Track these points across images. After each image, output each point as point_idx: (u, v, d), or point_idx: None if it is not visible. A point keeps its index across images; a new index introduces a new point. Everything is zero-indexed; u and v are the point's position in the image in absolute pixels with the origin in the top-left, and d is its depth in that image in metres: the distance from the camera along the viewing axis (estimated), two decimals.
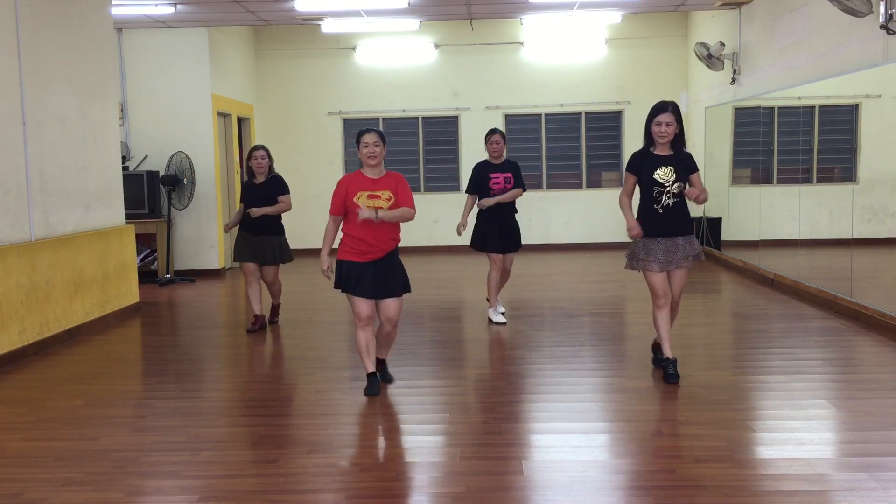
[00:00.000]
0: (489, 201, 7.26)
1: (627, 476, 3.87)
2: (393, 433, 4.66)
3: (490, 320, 7.51)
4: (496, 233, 7.36)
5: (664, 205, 5.36)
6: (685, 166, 5.39)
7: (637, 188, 5.54)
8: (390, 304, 5.21)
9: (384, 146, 5.17)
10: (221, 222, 11.39)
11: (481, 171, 7.39)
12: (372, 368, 5.29)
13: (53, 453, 4.31)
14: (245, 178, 7.47)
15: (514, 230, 7.47)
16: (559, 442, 4.37)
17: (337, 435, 4.59)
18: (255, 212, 7.13)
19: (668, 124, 5.28)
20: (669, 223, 5.38)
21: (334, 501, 3.69)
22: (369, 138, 5.11)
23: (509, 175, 7.34)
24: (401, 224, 5.25)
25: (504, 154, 7.43)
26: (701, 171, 5.78)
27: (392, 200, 5.12)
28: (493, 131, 7.43)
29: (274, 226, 7.32)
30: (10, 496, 3.75)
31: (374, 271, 5.14)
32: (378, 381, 5.32)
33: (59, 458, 4.25)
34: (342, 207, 5.17)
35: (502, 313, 7.52)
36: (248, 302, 7.69)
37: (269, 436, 4.57)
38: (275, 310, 7.75)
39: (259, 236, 7.25)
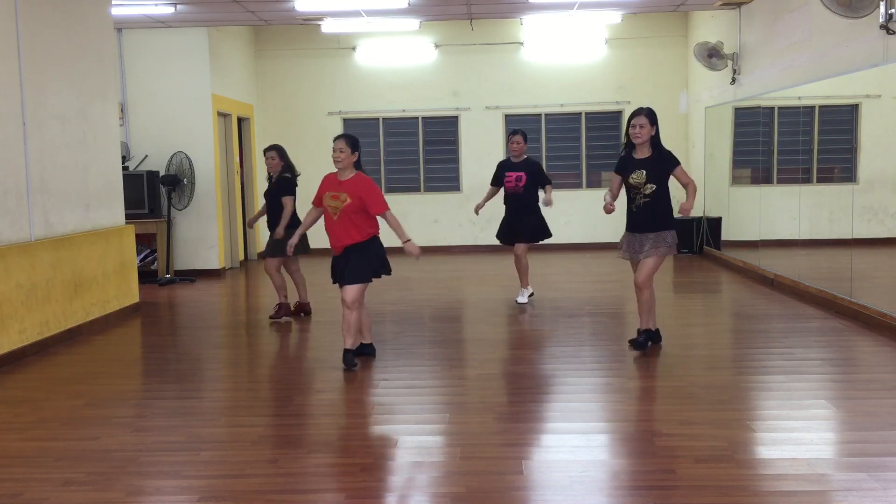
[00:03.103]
0: (549, 200, 8.02)
1: (627, 476, 3.87)
2: (393, 433, 4.66)
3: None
4: (507, 226, 8.19)
5: (637, 204, 5.98)
6: (662, 168, 5.94)
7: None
8: (343, 290, 5.86)
9: (353, 151, 5.79)
10: (221, 222, 11.41)
11: (500, 168, 8.24)
12: (348, 346, 5.87)
13: (53, 453, 4.31)
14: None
15: (527, 223, 8.08)
16: (559, 442, 4.38)
17: (337, 435, 4.59)
18: (278, 233, 7.49)
19: (641, 126, 5.91)
20: (640, 221, 5.99)
21: (334, 501, 3.69)
22: (337, 144, 5.78)
23: (521, 174, 8.02)
24: (376, 221, 5.86)
25: (524, 153, 8.15)
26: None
27: (348, 202, 5.70)
28: (514, 132, 8.17)
29: (277, 222, 7.59)
30: (10, 496, 3.75)
31: (339, 262, 5.88)
32: (351, 356, 5.87)
33: (59, 458, 4.25)
34: (319, 201, 5.95)
35: (530, 295, 8.35)
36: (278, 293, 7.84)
37: (269, 436, 4.58)
38: (304, 306, 8.02)
39: (270, 231, 7.64)
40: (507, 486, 3.75)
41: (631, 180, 5.96)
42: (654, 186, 5.90)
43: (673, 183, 6.07)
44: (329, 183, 5.87)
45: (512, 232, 8.15)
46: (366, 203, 5.72)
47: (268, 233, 7.77)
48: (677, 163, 6.01)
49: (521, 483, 3.78)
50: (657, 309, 6.30)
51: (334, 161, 5.76)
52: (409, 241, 5.82)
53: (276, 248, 7.54)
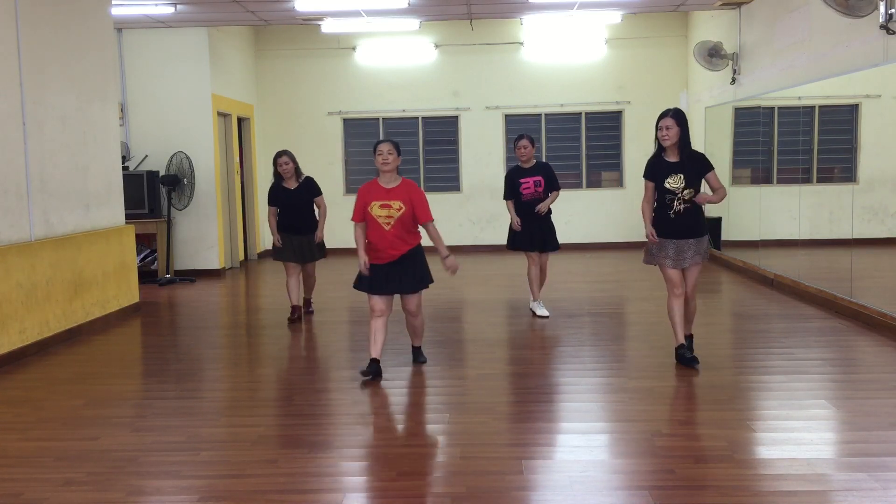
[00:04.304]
0: (542, 208, 7.56)
1: (627, 476, 3.87)
2: (393, 433, 4.66)
3: (533, 313, 7.74)
4: (529, 233, 7.62)
5: (676, 210, 5.66)
6: (696, 170, 5.66)
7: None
8: (407, 299, 5.78)
9: (398, 155, 5.57)
10: (221, 222, 11.40)
11: (513, 176, 7.67)
12: (374, 355, 5.63)
13: (53, 453, 4.31)
14: (273, 181, 7.76)
15: (549, 230, 7.74)
16: (559, 442, 4.38)
17: (337, 435, 4.59)
18: (318, 237, 7.63)
19: (668, 128, 5.59)
20: (680, 227, 5.68)
21: (334, 501, 3.69)
22: (384, 147, 5.51)
23: (539, 178, 7.59)
24: (416, 228, 5.68)
25: (533, 157, 7.71)
26: None
27: (403, 210, 5.50)
28: (520, 136, 7.70)
29: (312, 225, 7.71)
30: (10, 496, 3.75)
31: (388, 271, 5.59)
32: (376, 367, 5.61)
33: (59, 458, 4.25)
34: (362, 215, 5.57)
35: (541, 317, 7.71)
36: (287, 294, 7.82)
37: (269, 436, 4.57)
38: (308, 302, 8.15)
39: (299, 236, 7.63)
40: (507, 486, 3.75)
41: (668, 185, 5.62)
42: (693, 191, 5.62)
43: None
44: (373, 192, 5.54)
45: (535, 240, 7.64)
46: (415, 210, 5.52)
47: (269, 235, 7.79)
48: (711, 167, 5.70)
49: (521, 483, 3.78)
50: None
51: (380, 165, 5.47)
52: (449, 255, 5.57)
53: (322, 249, 7.82)
